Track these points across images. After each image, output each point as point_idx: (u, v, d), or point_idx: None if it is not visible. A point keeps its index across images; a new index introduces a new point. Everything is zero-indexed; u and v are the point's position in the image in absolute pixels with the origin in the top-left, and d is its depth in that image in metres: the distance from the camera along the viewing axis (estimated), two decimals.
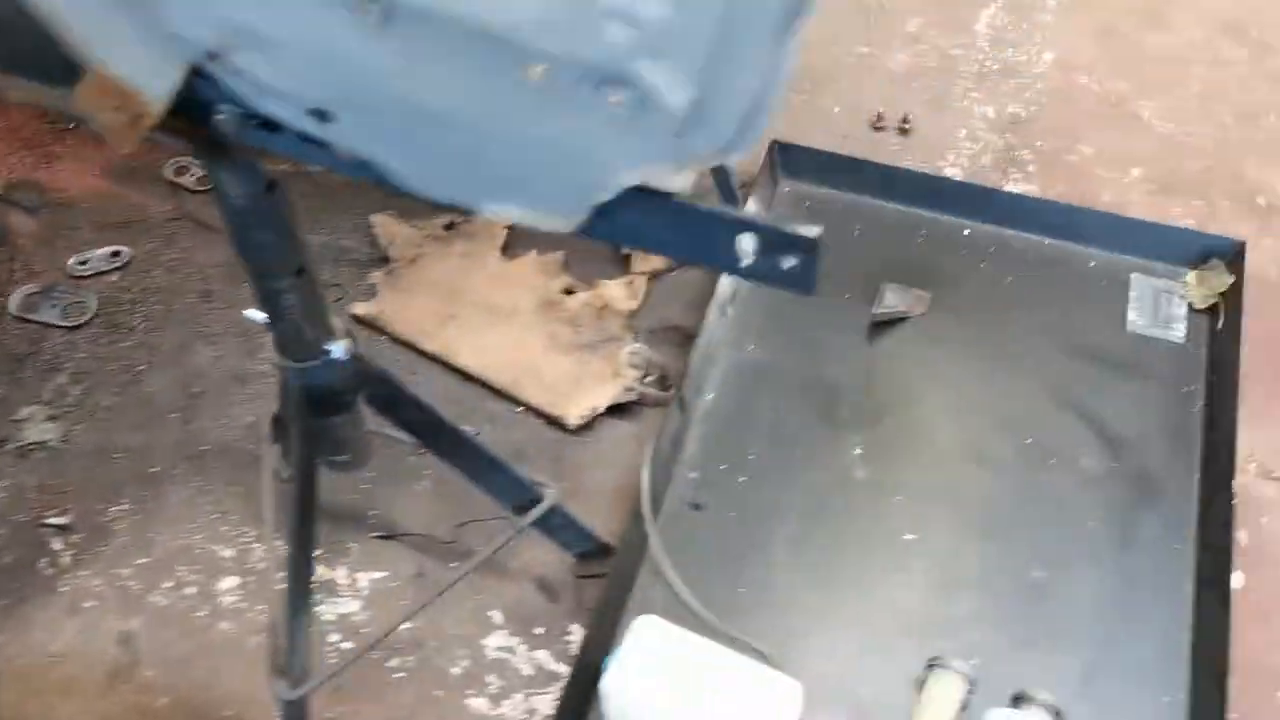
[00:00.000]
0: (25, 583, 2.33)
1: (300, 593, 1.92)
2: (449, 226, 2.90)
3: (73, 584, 2.33)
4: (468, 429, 2.47)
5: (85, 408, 2.59)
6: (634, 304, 2.74)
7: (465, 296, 2.74)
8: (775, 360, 2.65)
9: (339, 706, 2.16)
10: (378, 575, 2.35)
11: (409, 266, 2.82)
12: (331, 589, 2.33)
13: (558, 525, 2.25)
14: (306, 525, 1.87)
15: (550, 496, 2.16)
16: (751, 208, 2.82)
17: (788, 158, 2.96)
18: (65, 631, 2.26)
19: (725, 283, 2.67)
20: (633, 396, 2.59)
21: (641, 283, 2.79)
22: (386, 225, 2.88)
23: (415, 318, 2.71)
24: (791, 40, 0.85)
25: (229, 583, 2.33)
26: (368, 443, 1.98)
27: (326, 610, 2.29)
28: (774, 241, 1.14)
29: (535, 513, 2.16)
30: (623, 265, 2.84)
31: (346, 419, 1.88)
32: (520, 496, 2.16)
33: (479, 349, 2.65)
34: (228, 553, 2.37)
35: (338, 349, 1.73)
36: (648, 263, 2.81)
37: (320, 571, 2.35)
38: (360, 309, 2.73)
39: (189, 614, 2.28)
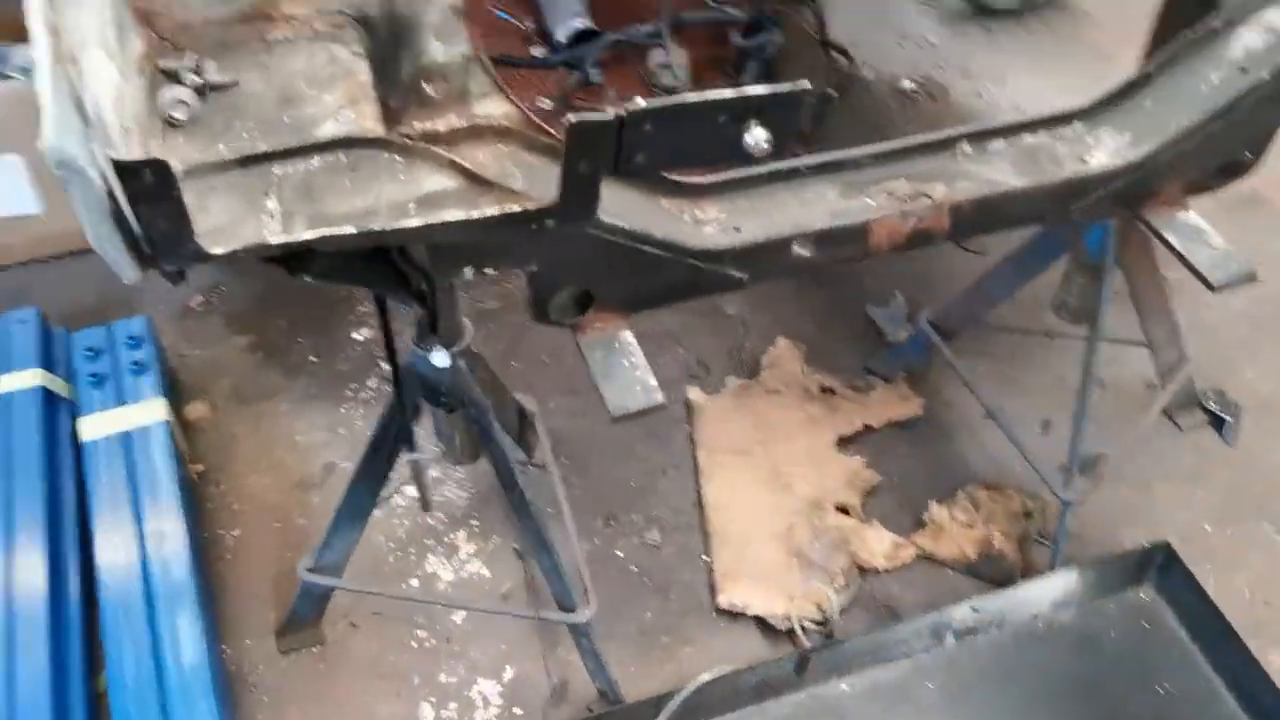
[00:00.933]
0: (333, 387, 2.92)
1: (352, 508, 2.24)
2: (826, 390, 2.91)
3: (353, 410, 2.87)
4: (653, 537, 2.58)
5: None
6: (882, 565, 2.56)
7: (773, 446, 2.77)
8: None
9: (352, 626, 2.47)
10: (485, 573, 2.58)
11: (764, 393, 2.90)
12: (451, 549, 2.61)
13: (584, 647, 2.29)
14: (372, 459, 2.16)
15: (581, 614, 2.22)
16: (1069, 577, 2.45)
17: (1169, 575, 2.48)
18: (313, 435, 2.83)
19: (964, 612, 2.40)
20: (785, 627, 2.46)
21: (909, 554, 2.59)
22: (785, 351, 2.98)
23: (722, 426, 2.81)
24: None
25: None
26: (468, 445, 2.20)
27: (429, 562, 2.59)
28: None
29: (554, 616, 2.24)
30: (921, 531, 2.64)
31: (442, 416, 2.12)
32: (561, 595, 2.24)
33: (730, 489, 2.69)
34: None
35: (436, 356, 1.97)
36: (942, 546, 2.60)
37: (458, 536, 2.65)
38: (692, 394, 2.89)
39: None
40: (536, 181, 1.45)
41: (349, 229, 1.07)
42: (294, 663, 2.43)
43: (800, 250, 1.65)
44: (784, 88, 1.05)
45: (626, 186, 1.55)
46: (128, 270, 0.99)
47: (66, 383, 2.78)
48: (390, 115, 1.47)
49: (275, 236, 1.07)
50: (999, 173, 1.71)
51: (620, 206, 1.50)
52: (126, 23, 1.21)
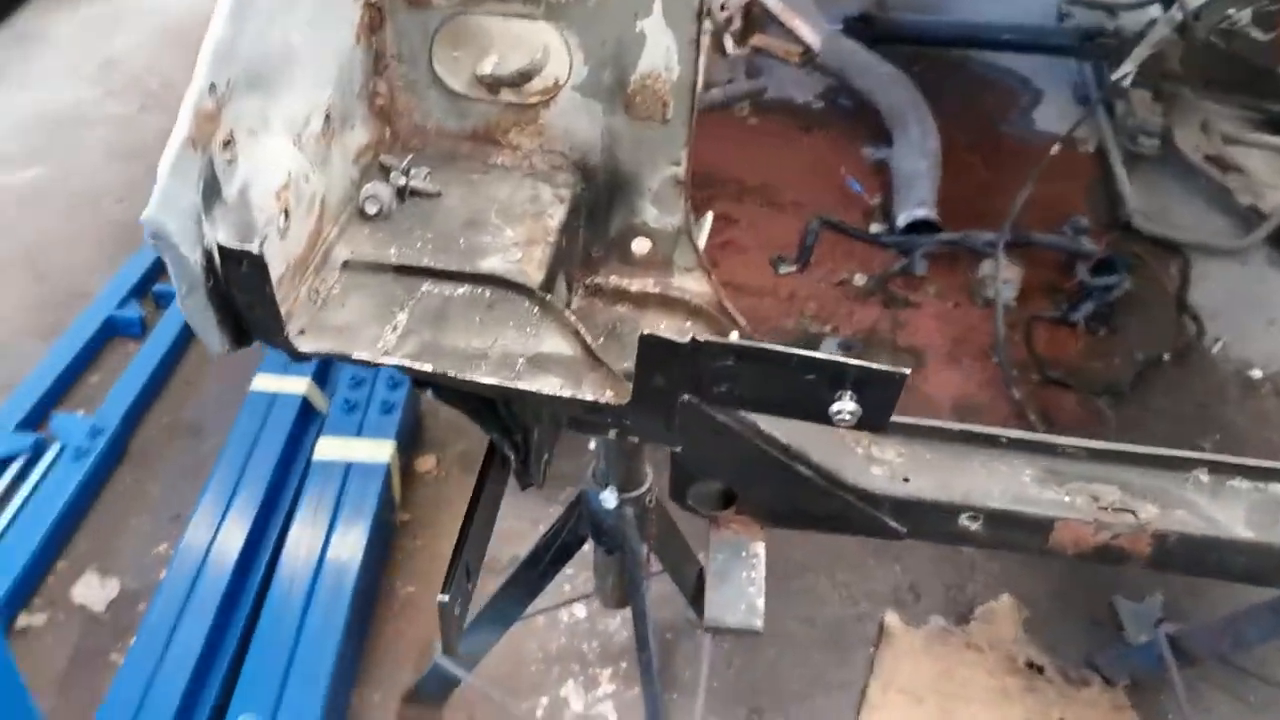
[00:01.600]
0: (552, 484, 2.97)
1: (496, 611, 2.27)
2: (1034, 666, 2.65)
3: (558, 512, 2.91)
4: None
5: None
6: None
7: (953, 706, 2.55)
8: None
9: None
10: (611, 719, 2.52)
11: (965, 646, 2.68)
12: (591, 682, 2.58)
13: None
14: (526, 572, 2.17)
15: None
16: None
17: None
18: (515, 522, 2.88)
19: None
20: None
21: None
22: (1005, 609, 2.75)
23: (907, 663, 2.63)
24: None
25: None
26: (616, 592, 2.17)
27: (567, 686, 2.56)
28: None
29: None
30: None
31: (602, 554, 2.11)
32: None
33: None
34: None
35: (605, 495, 1.97)
36: None
37: (604, 672, 2.61)
38: (889, 619, 2.72)
39: None
40: None
41: (427, 367, 1.08)
42: None
43: (968, 524, 1.51)
44: (881, 368, 0.96)
45: None
46: (215, 343, 1.04)
47: (328, 401, 3.00)
48: (590, 263, 1.48)
49: (366, 353, 1.09)
50: (1226, 515, 1.49)
51: None
52: (354, 114, 1.30)
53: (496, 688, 2.49)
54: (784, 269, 3.65)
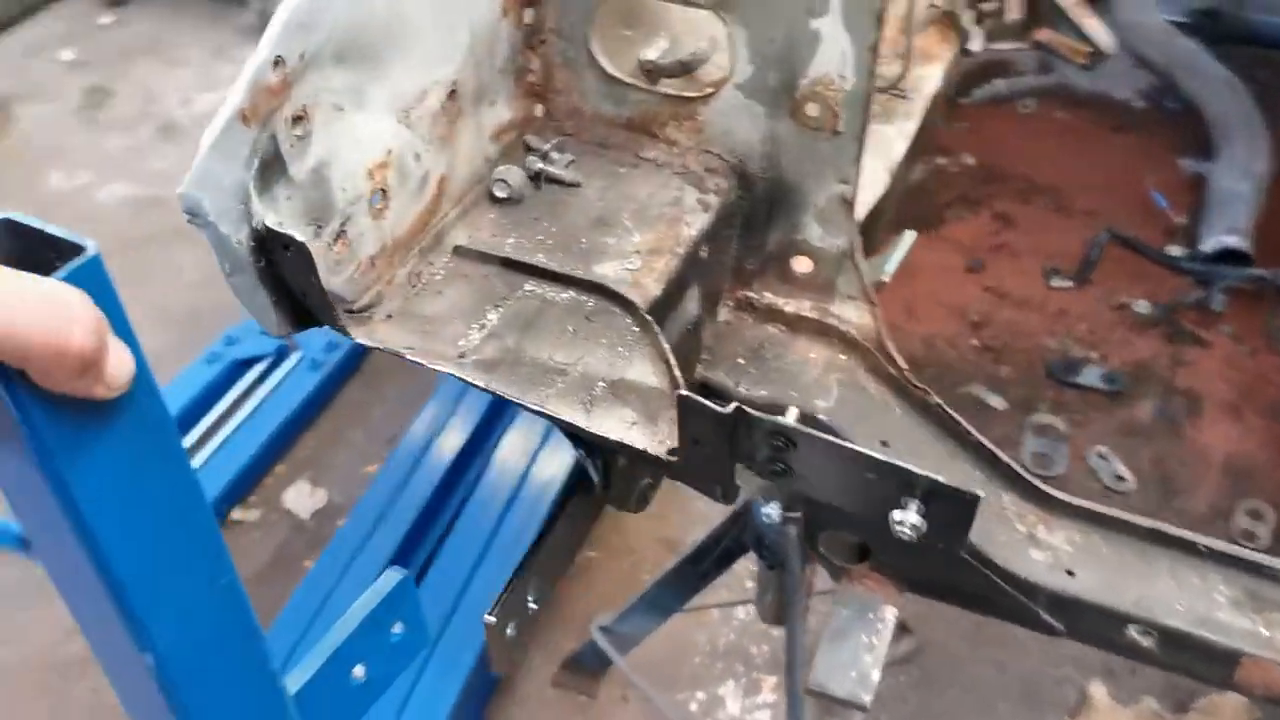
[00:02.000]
0: None
1: (655, 600, 2.22)
2: None
3: None
4: None
5: None
6: None
7: None
8: None
9: (624, 699, 2.44)
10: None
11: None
12: (753, 687, 2.48)
13: None
14: (687, 568, 2.11)
15: None
16: None
17: None
18: (709, 508, 2.79)
19: None
20: None
21: None
22: (1232, 707, 2.43)
23: None
24: None
25: None
26: (773, 608, 2.06)
27: (726, 686, 2.47)
28: None
29: None
30: None
31: (764, 567, 1.99)
32: None
33: None
34: None
35: (769, 508, 1.85)
36: None
37: (769, 679, 2.50)
38: (1094, 690, 2.46)
39: None
40: (848, 408, 1.28)
41: (480, 382, 0.99)
42: (560, 699, 2.45)
43: (1139, 637, 1.30)
44: (952, 486, 0.79)
45: (973, 465, 1.31)
46: (271, 324, 1.00)
47: None
48: (743, 276, 1.35)
49: (424, 356, 1.02)
50: None
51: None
52: (496, 90, 1.22)
53: (648, 676, 2.42)
54: (1057, 282, 3.33)
